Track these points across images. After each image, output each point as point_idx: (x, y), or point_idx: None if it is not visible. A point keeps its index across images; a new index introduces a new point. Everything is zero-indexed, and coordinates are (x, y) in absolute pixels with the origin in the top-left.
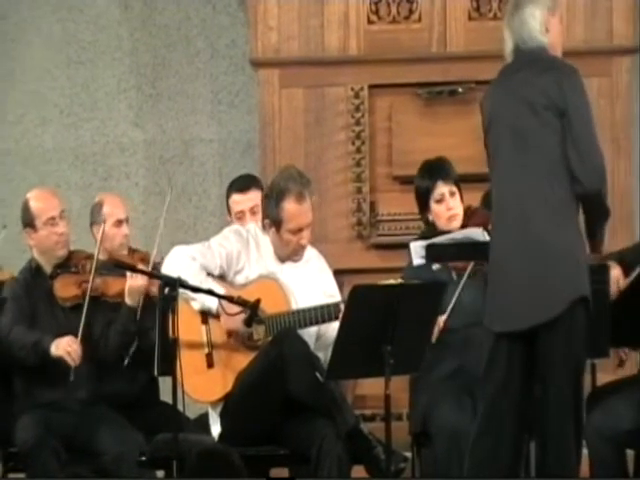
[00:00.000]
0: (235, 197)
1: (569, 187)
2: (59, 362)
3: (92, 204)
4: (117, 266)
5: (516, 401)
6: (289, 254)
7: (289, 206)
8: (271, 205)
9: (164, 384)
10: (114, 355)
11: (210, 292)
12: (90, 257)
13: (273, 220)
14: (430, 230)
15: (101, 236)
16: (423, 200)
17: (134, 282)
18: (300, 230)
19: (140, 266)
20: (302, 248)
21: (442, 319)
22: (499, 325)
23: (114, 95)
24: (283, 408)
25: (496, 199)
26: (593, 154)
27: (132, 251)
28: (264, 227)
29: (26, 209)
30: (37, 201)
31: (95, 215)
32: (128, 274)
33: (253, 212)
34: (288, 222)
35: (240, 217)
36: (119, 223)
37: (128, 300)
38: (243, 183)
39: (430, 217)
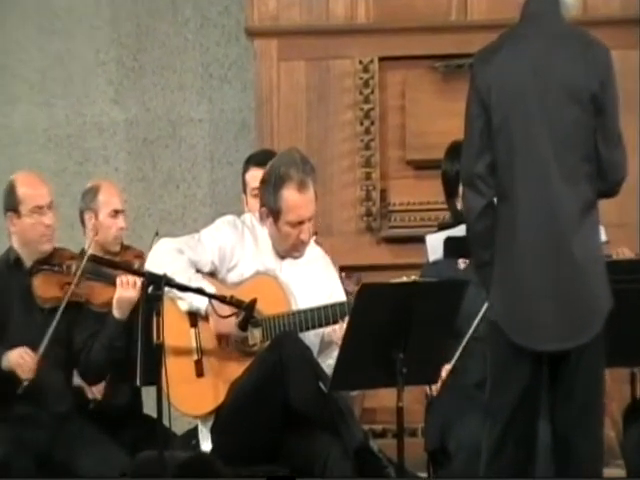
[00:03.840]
0: (253, 172)
1: (595, 188)
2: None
3: (84, 189)
4: (101, 263)
5: (534, 420)
6: (288, 249)
7: (289, 195)
8: (269, 192)
9: (147, 395)
10: (96, 372)
11: (200, 291)
12: (75, 257)
13: (270, 209)
14: (455, 220)
15: (93, 226)
16: (452, 186)
17: (125, 292)
18: (300, 223)
19: (134, 264)
20: (302, 244)
21: (446, 368)
22: (527, 340)
23: (92, 69)
24: (282, 422)
25: (520, 199)
26: (623, 152)
27: (125, 248)
28: (261, 217)
29: (11, 191)
30: (25, 186)
31: (88, 201)
32: (118, 282)
33: None
34: (287, 213)
35: (256, 195)
36: (116, 214)
37: (116, 312)
38: (263, 157)
39: (459, 205)
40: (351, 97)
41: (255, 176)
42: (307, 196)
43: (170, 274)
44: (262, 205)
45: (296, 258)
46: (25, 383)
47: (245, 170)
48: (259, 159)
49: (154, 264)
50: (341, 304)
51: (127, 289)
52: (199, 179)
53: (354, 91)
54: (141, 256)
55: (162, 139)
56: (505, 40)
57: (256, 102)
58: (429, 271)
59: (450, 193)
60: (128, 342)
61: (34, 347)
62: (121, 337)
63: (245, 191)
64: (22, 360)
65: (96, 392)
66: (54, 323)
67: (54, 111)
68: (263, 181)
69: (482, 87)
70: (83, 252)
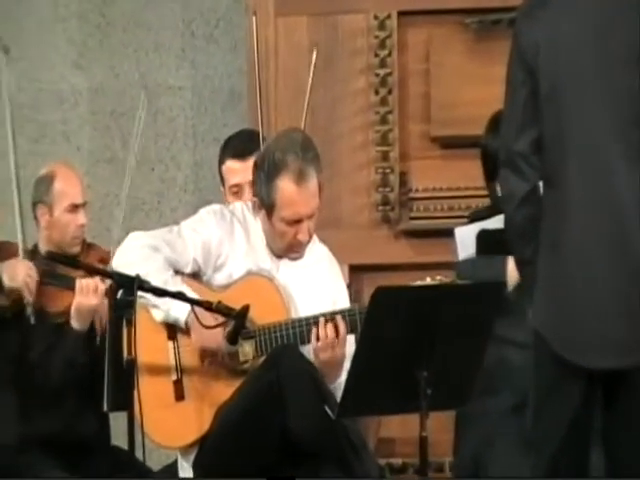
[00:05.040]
0: (230, 164)
1: None
2: None
3: (38, 176)
4: (56, 260)
5: (586, 450)
6: (283, 250)
7: (285, 187)
8: (261, 180)
9: (117, 423)
10: (57, 390)
11: (179, 296)
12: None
13: (263, 201)
14: (494, 209)
15: (47, 223)
16: (493, 166)
17: (84, 299)
18: (298, 221)
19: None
20: (300, 245)
21: None
22: (578, 355)
23: (49, 26)
24: (280, 455)
25: (571, 183)
26: None
27: (88, 247)
28: (254, 207)
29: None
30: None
31: (42, 192)
32: (77, 287)
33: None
34: (282, 208)
35: (236, 192)
36: (75, 208)
37: (74, 322)
38: (242, 145)
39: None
40: (364, 60)
41: (232, 170)
42: (307, 189)
43: (142, 276)
44: (254, 194)
45: (294, 260)
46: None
47: (221, 160)
48: (237, 150)
49: (123, 263)
50: (351, 311)
51: (87, 295)
52: (179, 160)
53: (368, 53)
54: (107, 258)
55: (134, 111)
56: None
57: (248, 66)
58: (465, 269)
59: (492, 175)
60: (94, 358)
61: None
62: (83, 352)
63: (223, 184)
64: (29, 279)
65: None
66: None
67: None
68: (256, 165)
69: (527, 47)
70: (36, 250)
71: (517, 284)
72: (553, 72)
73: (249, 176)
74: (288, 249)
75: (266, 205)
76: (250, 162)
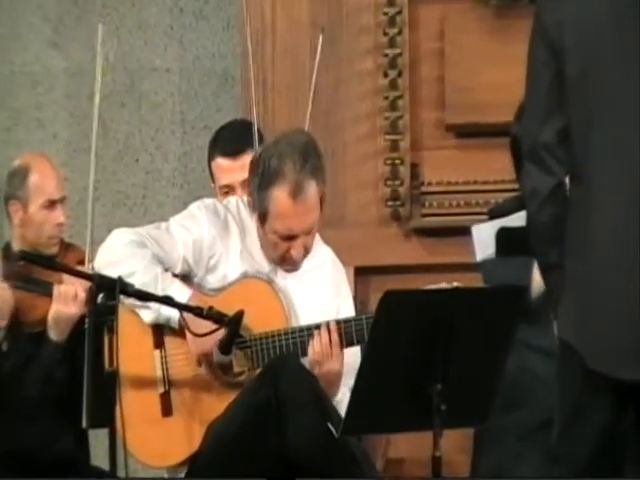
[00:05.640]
0: (221, 162)
1: None
2: None
3: (10, 168)
4: (31, 261)
5: (618, 471)
6: (276, 261)
7: (279, 198)
8: (255, 184)
9: (97, 440)
10: (28, 411)
11: (166, 300)
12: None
13: (255, 207)
14: (515, 203)
15: (20, 220)
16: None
17: (63, 308)
18: (291, 238)
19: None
20: (293, 262)
21: None
22: (609, 366)
23: (22, 1)
24: (278, 474)
25: (600, 179)
26: None
27: (66, 247)
28: (249, 205)
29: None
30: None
31: (15, 186)
32: (55, 294)
33: (247, 186)
34: (275, 220)
35: (227, 192)
36: (52, 205)
37: (52, 332)
38: (234, 140)
39: None
40: (371, 39)
41: (222, 169)
42: (303, 204)
43: (127, 275)
44: (250, 194)
45: (289, 272)
46: None
47: (210, 156)
48: (228, 146)
49: (107, 263)
50: (358, 319)
51: (66, 303)
52: (165, 150)
53: (376, 31)
54: (84, 259)
55: (116, 95)
56: None
57: (243, 47)
58: (492, 270)
59: (520, 166)
60: (72, 371)
61: None
62: (61, 365)
63: (213, 181)
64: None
65: None
66: None
67: None
68: (252, 163)
69: (551, 25)
70: (8, 249)
71: (542, 291)
72: (581, 53)
73: (241, 175)
74: (281, 262)
75: (259, 212)
76: (242, 160)
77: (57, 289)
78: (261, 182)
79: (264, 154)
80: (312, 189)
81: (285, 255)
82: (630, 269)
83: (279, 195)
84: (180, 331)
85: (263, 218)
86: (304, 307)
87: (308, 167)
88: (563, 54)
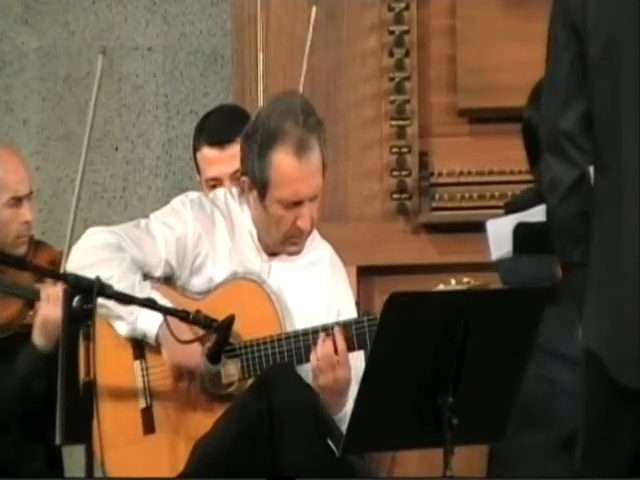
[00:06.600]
0: (207, 152)
1: None
2: None
3: None
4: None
5: None
6: (279, 241)
7: (282, 160)
8: (252, 153)
9: (71, 459)
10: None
11: (149, 303)
12: None
13: (254, 179)
14: (534, 195)
15: None
16: (538, 147)
17: (52, 311)
18: (298, 204)
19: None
20: (301, 234)
21: None
22: (638, 379)
23: None
24: None
25: (628, 170)
26: None
27: (36, 246)
28: (242, 190)
29: None
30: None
31: None
32: (44, 296)
33: (236, 179)
34: (279, 187)
35: (214, 186)
36: (17, 202)
37: (39, 339)
38: (221, 128)
39: None
40: (375, 15)
41: (209, 160)
42: (308, 164)
43: (104, 280)
44: (243, 173)
45: (292, 254)
46: None
47: (195, 146)
48: (215, 135)
49: (80, 266)
50: (359, 323)
51: (56, 306)
52: (148, 137)
53: (380, 5)
54: (60, 260)
55: (93, 77)
56: None
57: (233, 23)
58: (509, 268)
59: (536, 158)
60: (51, 382)
61: None
62: (41, 376)
63: (199, 173)
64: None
65: None
66: None
67: None
68: (246, 137)
69: (575, 5)
70: None
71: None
72: (605, 32)
73: (230, 167)
74: (285, 240)
75: (258, 184)
76: (231, 150)
77: (45, 291)
78: (260, 147)
79: (259, 118)
80: (316, 148)
81: (291, 229)
82: None
83: (283, 156)
84: (159, 346)
85: (264, 190)
86: (300, 309)
87: (311, 123)
88: (585, 35)
